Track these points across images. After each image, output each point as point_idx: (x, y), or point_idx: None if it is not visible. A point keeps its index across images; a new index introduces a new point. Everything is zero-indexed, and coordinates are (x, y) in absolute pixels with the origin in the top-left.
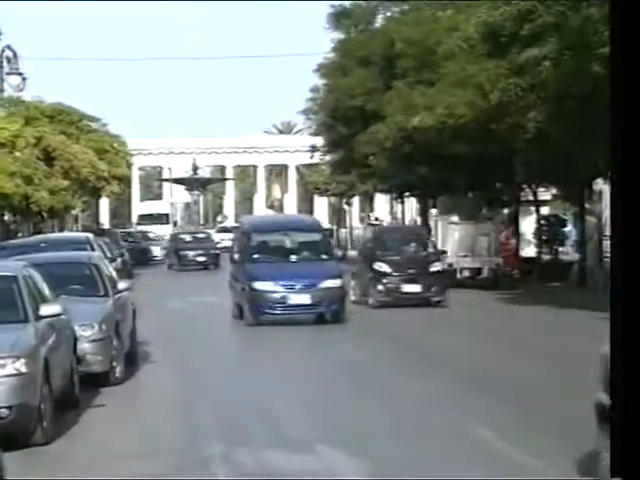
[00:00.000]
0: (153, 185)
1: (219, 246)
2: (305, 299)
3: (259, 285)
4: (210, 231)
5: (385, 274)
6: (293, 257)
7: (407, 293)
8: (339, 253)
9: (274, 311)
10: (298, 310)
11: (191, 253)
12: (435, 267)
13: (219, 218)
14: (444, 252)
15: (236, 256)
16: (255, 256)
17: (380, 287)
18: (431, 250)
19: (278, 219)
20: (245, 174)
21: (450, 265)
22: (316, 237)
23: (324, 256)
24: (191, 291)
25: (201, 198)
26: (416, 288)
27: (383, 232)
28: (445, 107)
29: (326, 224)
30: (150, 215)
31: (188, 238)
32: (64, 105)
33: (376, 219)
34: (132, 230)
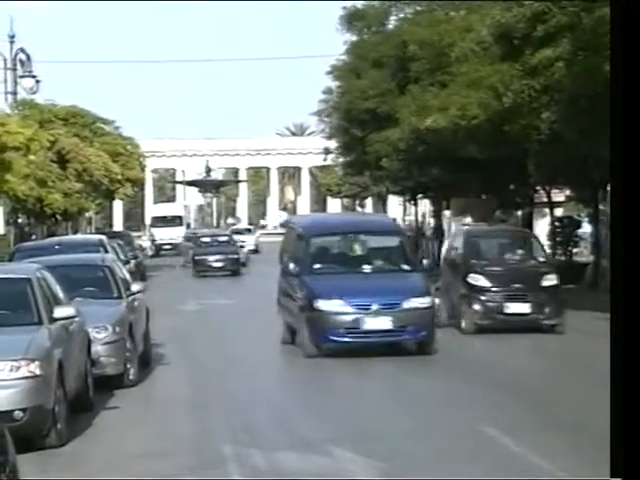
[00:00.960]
0: (166, 187)
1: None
2: (385, 323)
3: (324, 304)
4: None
5: (483, 290)
6: (366, 268)
7: (512, 315)
8: (427, 262)
9: (343, 338)
10: (375, 337)
11: (210, 258)
12: (549, 281)
13: (230, 220)
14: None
15: (291, 266)
16: (316, 266)
17: (477, 306)
18: (541, 259)
19: (344, 219)
20: (258, 176)
21: None
22: (394, 241)
23: (406, 266)
24: (206, 293)
25: (214, 200)
26: (524, 308)
27: (477, 235)
28: (458, 108)
29: None
30: (163, 217)
31: (207, 240)
32: (77, 108)
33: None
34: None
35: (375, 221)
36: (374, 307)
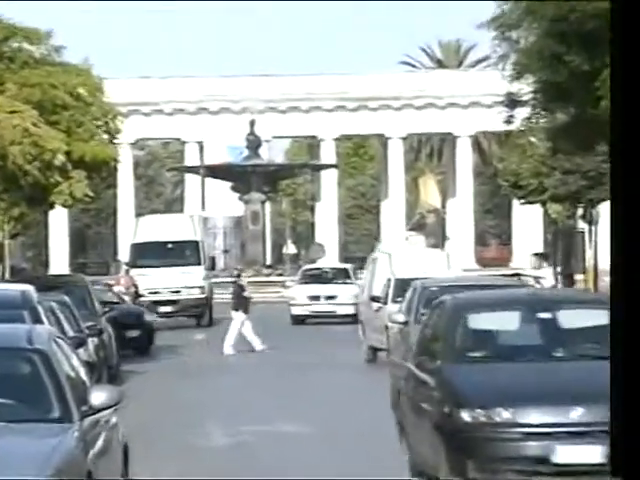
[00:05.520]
0: (164, 180)
1: None
2: None
3: None
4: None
5: None
6: None
7: None
8: None
9: None
10: None
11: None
12: None
13: (287, 249)
14: None
15: None
16: None
17: None
18: None
19: None
20: (361, 155)
21: None
22: None
23: None
24: (250, 409)
25: (267, 207)
26: None
27: None
28: None
29: (535, 266)
30: (159, 245)
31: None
32: None
33: None
34: None
35: None
36: None
